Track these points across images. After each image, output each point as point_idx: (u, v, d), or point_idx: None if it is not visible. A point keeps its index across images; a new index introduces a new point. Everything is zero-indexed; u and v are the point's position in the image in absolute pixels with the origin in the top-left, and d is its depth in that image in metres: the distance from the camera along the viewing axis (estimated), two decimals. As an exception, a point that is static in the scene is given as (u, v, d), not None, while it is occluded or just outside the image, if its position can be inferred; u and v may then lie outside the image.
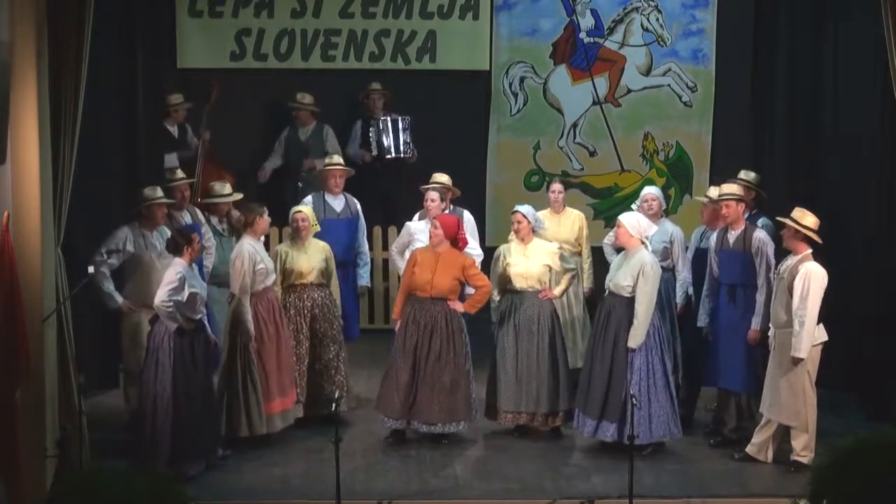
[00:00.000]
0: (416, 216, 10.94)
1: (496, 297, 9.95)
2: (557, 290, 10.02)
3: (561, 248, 10.22)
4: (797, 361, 9.07)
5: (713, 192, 10.16)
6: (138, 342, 9.65)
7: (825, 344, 9.23)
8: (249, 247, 9.62)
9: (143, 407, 9.03)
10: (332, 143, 12.77)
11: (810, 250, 9.14)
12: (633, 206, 10.57)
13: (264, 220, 9.78)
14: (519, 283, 9.87)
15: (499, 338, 9.90)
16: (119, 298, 9.79)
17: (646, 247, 9.44)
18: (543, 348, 9.81)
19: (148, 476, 7.04)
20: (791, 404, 9.19)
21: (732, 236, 9.68)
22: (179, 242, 9.12)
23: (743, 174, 10.38)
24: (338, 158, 11.28)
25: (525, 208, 9.99)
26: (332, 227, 10.72)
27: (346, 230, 11.00)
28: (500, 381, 9.85)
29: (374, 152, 12.77)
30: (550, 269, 9.94)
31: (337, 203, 11.09)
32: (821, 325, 9.16)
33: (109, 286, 9.75)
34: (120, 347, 10.08)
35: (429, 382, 9.58)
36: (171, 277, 8.96)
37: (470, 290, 9.88)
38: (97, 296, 9.79)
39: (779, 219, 9.40)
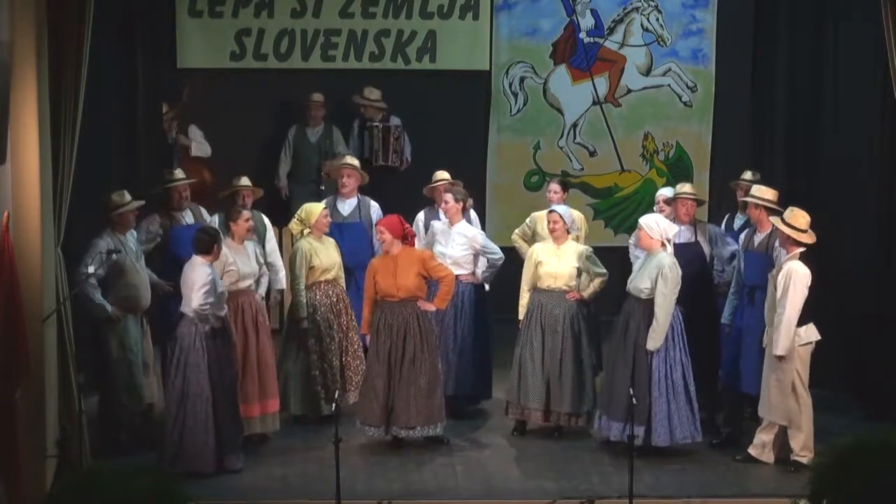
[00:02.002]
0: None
1: (524, 296, 9.94)
2: (587, 293, 9.95)
3: (593, 250, 10.11)
4: (779, 359, 9.06)
5: (681, 186, 10.26)
6: (127, 347, 9.58)
7: (820, 343, 9.20)
8: (224, 247, 9.58)
9: (174, 411, 8.97)
10: (342, 146, 12.72)
11: (800, 250, 9.13)
12: (655, 209, 10.54)
13: (238, 224, 9.63)
14: (548, 283, 9.85)
15: (525, 336, 9.89)
16: (109, 307, 9.60)
17: (667, 248, 9.35)
18: (568, 349, 9.80)
19: (148, 476, 7.03)
20: (780, 404, 9.16)
21: (758, 238, 9.64)
22: (206, 241, 9.03)
23: (749, 174, 10.46)
24: (350, 159, 11.13)
25: (562, 209, 9.96)
26: (333, 232, 10.40)
27: (349, 235, 10.76)
28: (526, 379, 9.82)
29: (366, 155, 12.72)
30: (580, 270, 9.89)
31: (346, 206, 10.94)
32: (811, 324, 9.14)
33: (98, 296, 9.51)
34: (99, 354, 9.76)
35: (405, 386, 9.50)
36: (203, 280, 8.91)
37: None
38: (85, 307, 9.52)
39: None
